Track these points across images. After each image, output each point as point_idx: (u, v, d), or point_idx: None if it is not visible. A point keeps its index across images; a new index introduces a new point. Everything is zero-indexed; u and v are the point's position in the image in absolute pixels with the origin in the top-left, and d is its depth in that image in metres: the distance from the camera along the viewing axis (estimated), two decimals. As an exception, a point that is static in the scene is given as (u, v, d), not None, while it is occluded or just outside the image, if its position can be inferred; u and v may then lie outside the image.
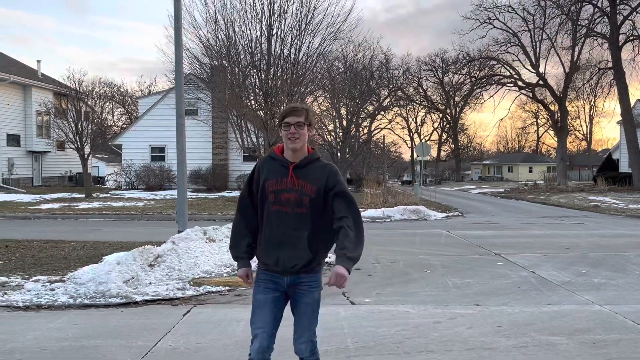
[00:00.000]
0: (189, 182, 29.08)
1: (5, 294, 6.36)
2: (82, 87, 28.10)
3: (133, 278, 6.77)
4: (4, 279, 6.96)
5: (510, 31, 39.97)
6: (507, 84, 42.58)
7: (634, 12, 33.92)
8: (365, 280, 7.60)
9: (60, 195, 26.05)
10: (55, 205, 20.64)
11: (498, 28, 40.23)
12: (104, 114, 33.62)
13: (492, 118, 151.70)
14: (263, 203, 3.00)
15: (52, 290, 6.51)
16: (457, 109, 73.60)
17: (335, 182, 2.98)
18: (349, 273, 2.86)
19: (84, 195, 25.23)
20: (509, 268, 8.34)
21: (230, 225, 9.20)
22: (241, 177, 31.06)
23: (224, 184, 30.47)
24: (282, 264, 2.96)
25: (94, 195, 25.98)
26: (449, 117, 74.36)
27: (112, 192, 29.21)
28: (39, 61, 35.32)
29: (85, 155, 26.58)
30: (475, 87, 50.06)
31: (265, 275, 3.03)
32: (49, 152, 34.07)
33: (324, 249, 3.06)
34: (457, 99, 71.87)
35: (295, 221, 2.93)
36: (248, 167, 31.10)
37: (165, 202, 22.81)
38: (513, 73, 41.76)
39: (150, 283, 6.78)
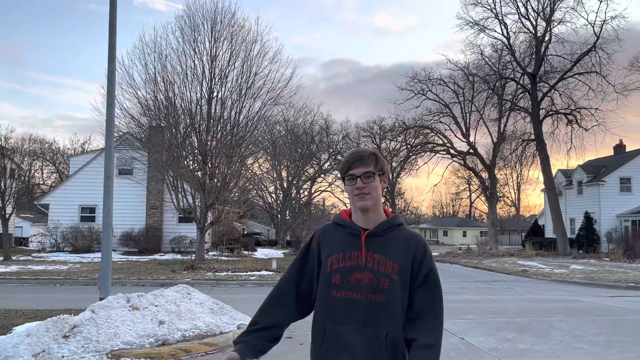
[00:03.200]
0: (119, 244, 27.92)
1: None
2: (8, 144, 26.91)
3: (44, 351, 6.26)
4: None
5: (443, 102, 42.37)
6: (440, 152, 44.57)
7: (553, 90, 37.02)
8: (296, 348, 7.39)
9: (-25, 257, 24.18)
10: (-32, 269, 19.10)
11: (431, 99, 42.57)
12: (32, 172, 32.08)
13: (427, 183, 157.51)
14: (323, 286, 2.15)
15: (-52, 366, 5.89)
16: (394, 174, 76.03)
17: (423, 258, 2.14)
18: None
19: (2, 258, 23.55)
20: (439, 335, 8.37)
21: (157, 291, 8.81)
22: (176, 239, 30.11)
23: (157, 246, 29.39)
24: None
25: (14, 258, 24.31)
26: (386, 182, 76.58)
27: (34, 254, 27.44)
28: (-36, 115, 33.73)
29: (7, 215, 25.04)
30: (410, 154, 52.05)
31: None
32: (-33, 210, 31.87)
33: None
34: (394, 164, 74.43)
35: (370, 314, 2.06)
36: (183, 229, 30.30)
37: (92, 265, 21.65)
38: (446, 141, 43.88)
39: (63, 357, 6.28)
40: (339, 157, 65.87)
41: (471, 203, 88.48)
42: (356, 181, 2.14)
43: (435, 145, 44.90)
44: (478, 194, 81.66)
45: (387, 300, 2.06)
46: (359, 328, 2.05)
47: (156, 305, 8.16)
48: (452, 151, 43.95)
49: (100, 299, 8.21)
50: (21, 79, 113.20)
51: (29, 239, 38.26)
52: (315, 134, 57.05)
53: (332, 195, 71.22)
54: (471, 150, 43.15)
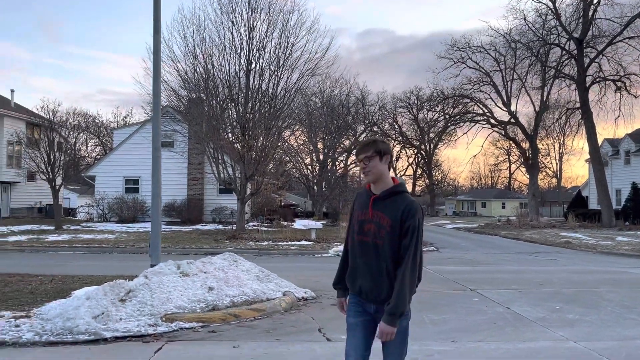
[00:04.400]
0: (163, 214, 28.64)
1: (-33, 330, 6.08)
2: (56, 118, 27.77)
3: (103, 314, 6.56)
4: (-35, 314, 6.67)
5: (483, 71, 41.19)
6: (480, 122, 43.57)
7: (600, 55, 35.41)
8: (340, 315, 7.50)
9: (28, 227, 25.33)
10: (23, 238, 20.04)
11: (471, 67, 41.42)
12: (77, 145, 33.13)
13: (466, 154, 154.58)
14: (351, 232, 3.21)
15: (17, 326, 6.25)
16: (432, 145, 75.00)
17: (407, 217, 2.98)
18: (394, 326, 2.91)
19: (53, 227, 24.59)
20: (484, 304, 8.35)
21: (205, 258, 9.06)
22: (216, 209, 30.74)
23: (198, 216, 30.10)
24: (365, 293, 3.09)
25: (64, 227, 25.35)
26: (423, 153, 75.63)
27: (83, 224, 28.55)
28: (12, 91, 34.90)
29: (57, 187, 26.03)
30: (449, 124, 51.16)
31: (355, 299, 3.18)
32: (19, 182, 33.28)
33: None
34: (431, 135, 73.32)
35: (374, 251, 3.02)
36: (224, 200, 30.88)
37: (138, 234, 22.36)
38: (486, 111, 42.82)
39: (120, 319, 6.57)
40: (375, 129, 65.40)
41: (510, 174, 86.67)
42: (361, 164, 3.09)
43: (474, 115, 43.88)
44: (518, 165, 79.96)
45: (384, 244, 2.99)
46: (367, 262, 3.04)
47: (205, 272, 8.39)
48: (492, 121, 42.90)
49: (152, 266, 8.50)
50: (63, 55, 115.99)
51: (77, 210, 39.74)
52: (351, 105, 56.55)
53: (369, 167, 71.13)
54: (512, 120, 42.01)
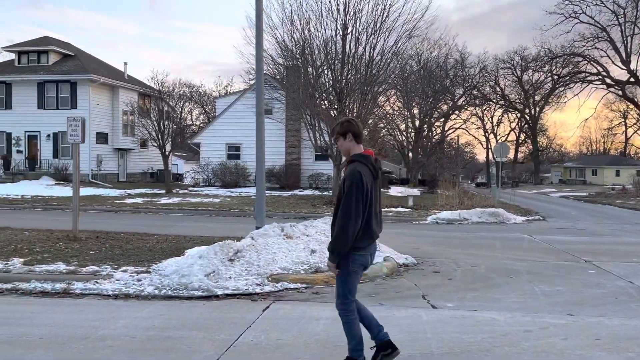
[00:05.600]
0: (262, 180, 29.69)
1: (97, 282, 6.68)
2: (164, 88, 29.39)
3: (214, 272, 6.91)
4: (95, 268, 7.33)
5: (599, 25, 37.69)
6: (594, 82, 40.17)
7: None
8: (445, 283, 7.34)
9: (143, 190, 27.38)
10: (139, 200, 21.69)
11: (585, 22, 38.07)
12: (183, 114, 34.96)
13: (576, 118, 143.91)
14: None
15: (138, 280, 6.76)
16: (537, 109, 70.34)
17: (346, 179, 3.74)
18: (332, 261, 3.73)
19: (164, 191, 26.36)
20: (602, 277, 7.76)
21: (306, 222, 9.21)
22: (313, 175, 31.25)
23: (296, 182, 30.81)
24: None
25: (174, 191, 27.08)
26: (527, 117, 71.19)
27: (190, 188, 30.34)
28: (125, 63, 37.47)
29: (167, 153, 27.76)
30: (557, 86, 47.71)
31: None
32: (133, 149, 35.95)
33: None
34: (536, 97, 68.72)
35: (335, 209, 3.81)
36: (320, 166, 31.30)
37: (240, 199, 23.35)
38: (600, 70, 39.36)
39: (230, 277, 6.88)
40: (475, 92, 62.42)
41: (627, 139, 79.41)
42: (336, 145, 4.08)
43: (587, 74, 40.50)
44: (636, 129, 73.04)
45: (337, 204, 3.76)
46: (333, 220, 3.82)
47: (307, 235, 8.54)
48: (607, 81, 39.38)
49: (257, 228, 8.79)
50: (168, 28, 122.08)
51: (184, 175, 42.31)
52: (449, 68, 54.27)
53: (467, 133, 68.42)
54: (632, 79, 38.18)
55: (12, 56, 34.92)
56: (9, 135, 32.71)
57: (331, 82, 24.38)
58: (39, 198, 21.61)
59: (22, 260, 7.75)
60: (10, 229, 11.33)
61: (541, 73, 55.69)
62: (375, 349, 3.94)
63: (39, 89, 32.17)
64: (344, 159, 3.90)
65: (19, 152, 32.56)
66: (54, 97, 32.12)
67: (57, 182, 28.87)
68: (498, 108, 69.61)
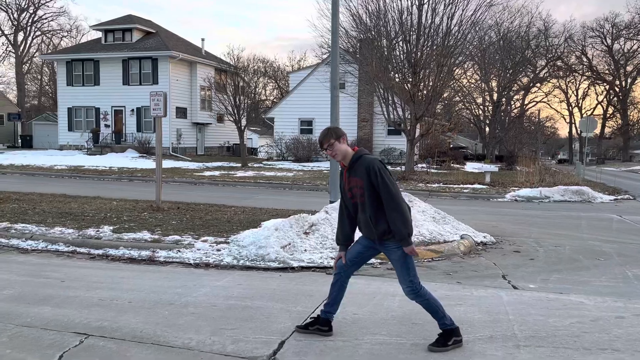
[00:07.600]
0: (334, 154, 29.72)
1: (179, 251, 6.97)
2: (239, 63, 29.91)
3: (289, 244, 7.00)
4: (177, 237, 7.65)
5: None
6: (697, 50, 36.47)
7: None
8: (526, 263, 7.03)
9: (219, 164, 28.28)
10: (216, 173, 22.42)
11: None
12: (257, 89, 35.51)
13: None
14: (346, 199, 4.15)
15: (218, 250, 6.99)
16: (629, 80, 65.20)
17: (370, 171, 3.86)
18: (407, 245, 3.81)
19: (240, 165, 27.09)
20: None
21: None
22: (385, 150, 30.92)
23: (368, 157, 30.60)
24: (366, 235, 4.13)
25: (249, 165, 27.76)
26: (617, 89, 66.15)
27: (264, 162, 30.98)
28: (202, 39, 38.46)
29: (242, 128, 28.41)
30: (653, 54, 43.77)
31: (362, 236, 4.26)
32: (210, 124, 37.11)
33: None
34: (628, 68, 63.62)
35: (361, 208, 3.97)
36: (392, 141, 30.91)
37: (313, 173, 23.54)
38: None
39: (305, 250, 6.96)
40: (559, 63, 58.76)
41: None
42: (326, 150, 4.00)
43: (690, 42, 36.81)
44: None
45: (365, 200, 3.87)
46: (362, 215, 3.97)
47: (381, 211, 8.45)
48: None
49: (331, 202, 8.80)
50: (242, 5, 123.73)
51: (258, 149, 43.22)
52: (531, 38, 51.30)
53: (549, 107, 64.77)
54: None
55: (99, 35, 36.79)
56: (97, 110, 34.73)
57: (405, 55, 23.79)
58: (124, 170, 22.89)
59: (111, 228, 8.24)
60: (100, 198, 12.08)
61: (634, 41, 51.44)
62: (313, 319, 4.28)
63: (124, 65, 33.78)
64: (346, 161, 4.04)
65: (106, 126, 34.55)
66: (137, 73, 33.63)
67: (140, 154, 30.41)
68: (584, 80, 65.19)
